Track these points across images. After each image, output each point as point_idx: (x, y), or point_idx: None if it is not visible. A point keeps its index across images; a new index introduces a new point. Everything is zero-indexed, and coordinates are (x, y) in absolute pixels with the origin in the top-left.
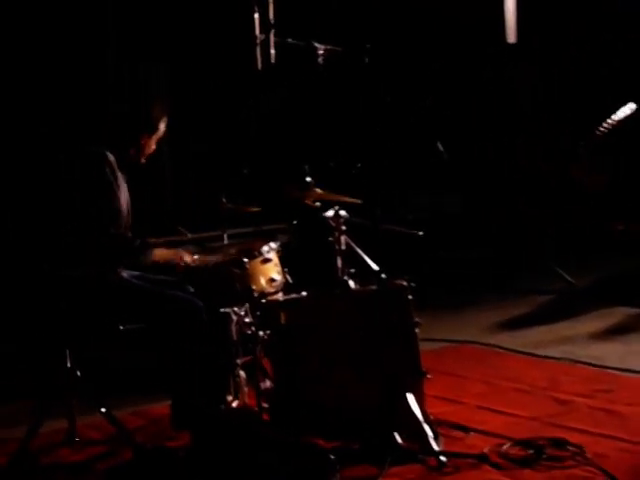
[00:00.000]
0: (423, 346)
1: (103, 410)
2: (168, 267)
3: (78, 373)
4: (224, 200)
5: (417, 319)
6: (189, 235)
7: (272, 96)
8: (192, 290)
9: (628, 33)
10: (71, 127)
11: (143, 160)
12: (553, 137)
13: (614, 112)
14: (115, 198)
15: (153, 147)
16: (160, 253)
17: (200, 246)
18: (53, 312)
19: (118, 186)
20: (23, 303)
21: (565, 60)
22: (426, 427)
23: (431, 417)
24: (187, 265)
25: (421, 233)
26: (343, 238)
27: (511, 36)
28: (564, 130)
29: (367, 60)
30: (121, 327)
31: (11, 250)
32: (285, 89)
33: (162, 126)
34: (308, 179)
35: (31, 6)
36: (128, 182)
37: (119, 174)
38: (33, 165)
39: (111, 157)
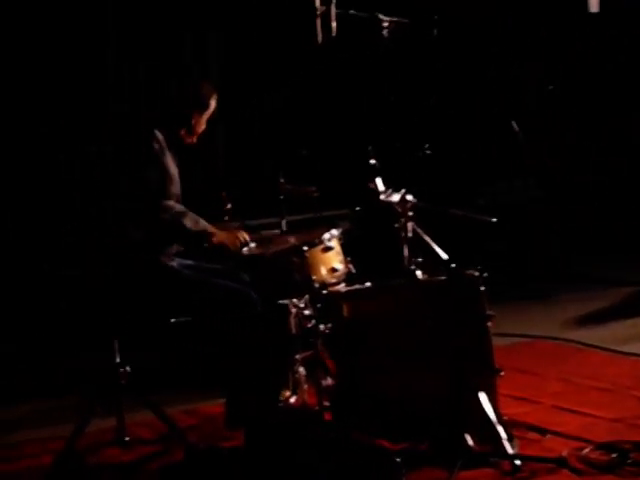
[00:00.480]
0: (496, 341)
1: (154, 407)
2: (224, 253)
3: (127, 369)
4: (282, 181)
5: (489, 312)
6: (245, 222)
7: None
8: (248, 280)
9: (634, 29)
10: (72, 126)
11: (194, 140)
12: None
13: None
14: (166, 172)
15: (204, 126)
16: (219, 235)
17: (257, 233)
18: (101, 305)
19: (166, 162)
20: (70, 295)
21: (571, 56)
22: (499, 428)
23: (505, 418)
24: (247, 252)
25: (494, 220)
26: (410, 225)
27: (594, 5)
28: (570, 127)
29: (436, 33)
30: (172, 320)
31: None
32: (347, 64)
33: (212, 103)
34: (373, 161)
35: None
36: (179, 164)
37: (168, 153)
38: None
39: (160, 135)
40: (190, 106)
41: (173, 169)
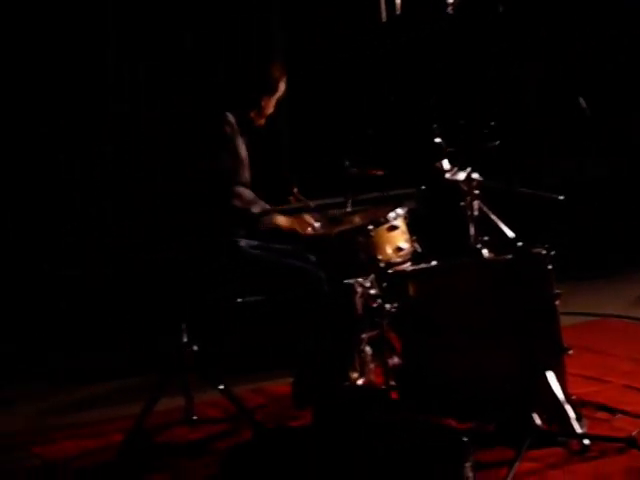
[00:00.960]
0: (564, 320)
1: (222, 387)
2: (290, 234)
3: (195, 348)
4: (347, 163)
5: (557, 290)
6: (311, 204)
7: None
8: (314, 260)
9: (634, 29)
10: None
11: (262, 122)
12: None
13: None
14: (238, 157)
15: (273, 108)
16: (282, 219)
17: (322, 214)
18: (169, 284)
19: (238, 146)
20: (140, 276)
21: (571, 57)
22: (568, 408)
23: (573, 397)
24: (312, 232)
25: (562, 197)
26: (476, 203)
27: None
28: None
29: (502, 9)
30: (239, 300)
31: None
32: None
33: (282, 86)
34: (438, 140)
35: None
36: (248, 146)
37: (239, 136)
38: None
39: (231, 118)
40: (260, 89)
41: (244, 152)
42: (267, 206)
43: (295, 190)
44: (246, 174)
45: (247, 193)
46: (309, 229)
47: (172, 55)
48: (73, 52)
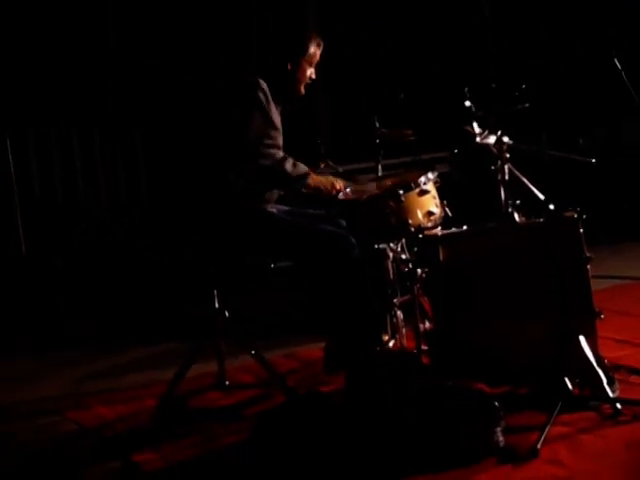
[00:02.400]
0: (595, 284)
1: (253, 352)
2: (321, 197)
3: (227, 314)
4: (378, 125)
5: (589, 254)
6: (340, 169)
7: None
8: (345, 225)
9: (633, 29)
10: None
11: (301, 90)
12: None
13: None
14: (270, 121)
15: (309, 74)
16: (316, 179)
17: (352, 178)
18: (200, 251)
19: (270, 111)
20: (172, 242)
21: (570, 56)
22: (600, 372)
23: (605, 361)
24: (344, 195)
25: (594, 160)
26: (507, 167)
27: None
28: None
29: None
30: (272, 265)
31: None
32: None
33: (315, 50)
34: (468, 103)
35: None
36: (282, 114)
37: (272, 104)
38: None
39: (264, 85)
40: (289, 52)
41: (277, 120)
42: (299, 162)
43: (324, 153)
44: (279, 140)
45: (277, 152)
46: (340, 194)
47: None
48: (73, 51)
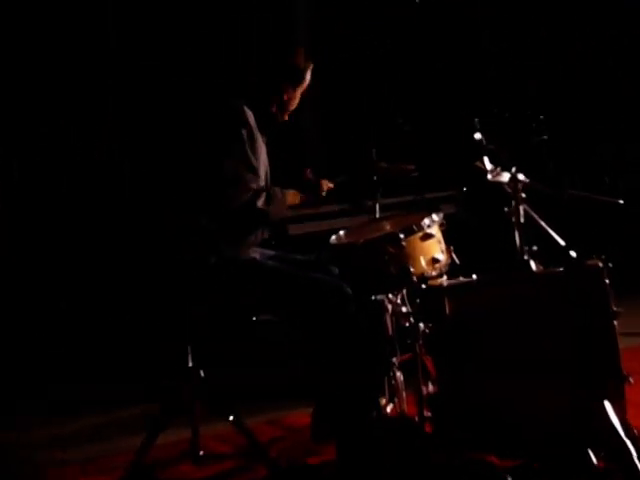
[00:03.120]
0: (623, 342)
1: (232, 418)
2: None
3: (202, 374)
4: (376, 159)
5: (616, 308)
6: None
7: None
8: (337, 273)
9: (634, 29)
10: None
11: (286, 117)
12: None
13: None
14: (247, 159)
15: (297, 101)
16: (292, 196)
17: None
18: (173, 301)
19: (255, 148)
20: (141, 291)
21: (571, 56)
22: (628, 443)
23: (635, 431)
24: (337, 238)
25: (621, 202)
26: (522, 208)
27: None
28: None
29: None
30: (254, 318)
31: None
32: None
33: (308, 76)
34: (478, 135)
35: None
36: (268, 144)
37: (258, 134)
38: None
39: (249, 113)
40: (283, 79)
41: (261, 152)
42: (277, 191)
43: (308, 170)
44: (252, 179)
45: (248, 192)
46: (333, 237)
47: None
48: (72, 52)
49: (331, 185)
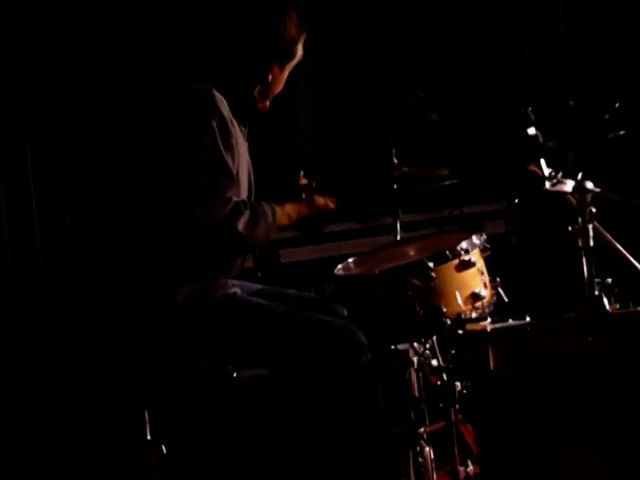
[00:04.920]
0: None
1: None
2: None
3: (164, 449)
4: (395, 161)
5: None
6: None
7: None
8: (345, 314)
9: None
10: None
11: (268, 104)
12: None
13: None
14: (220, 159)
15: (283, 83)
16: (289, 209)
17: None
18: (124, 348)
19: (230, 145)
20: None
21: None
22: None
23: None
24: (345, 268)
25: None
26: (591, 227)
27: None
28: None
29: None
30: (234, 374)
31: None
32: None
33: (299, 49)
34: (532, 131)
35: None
36: (249, 138)
37: (234, 127)
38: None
39: (220, 98)
40: (271, 54)
41: (241, 148)
42: (267, 209)
43: (301, 174)
44: (233, 190)
45: (227, 205)
46: (339, 268)
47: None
48: (72, 53)
49: (332, 205)
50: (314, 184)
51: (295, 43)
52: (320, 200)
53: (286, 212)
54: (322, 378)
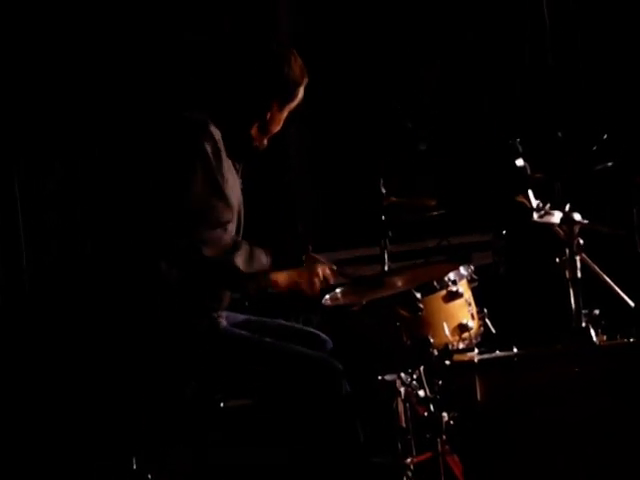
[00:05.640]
0: None
1: None
2: (297, 300)
3: (149, 478)
4: (383, 191)
5: None
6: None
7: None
8: (331, 345)
9: None
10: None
11: (265, 143)
12: None
13: None
14: (218, 190)
15: (281, 123)
16: (282, 277)
17: (344, 273)
18: (107, 378)
19: (224, 179)
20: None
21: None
22: None
23: None
24: (332, 299)
25: None
26: (579, 258)
27: None
28: None
29: None
30: (221, 404)
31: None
32: None
33: (300, 93)
34: (521, 162)
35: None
36: (243, 176)
37: (226, 162)
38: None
39: (215, 132)
40: (273, 94)
41: (232, 183)
42: (262, 254)
43: (310, 248)
44: (231, 214)
45: (227, 238)
46: (327, 297)
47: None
48: (71, 55)
49: (329, 274)
50: (310, 247)
51: (297, 85)
52: (318, 276)
53: (282, 277)
54: (301, 411)
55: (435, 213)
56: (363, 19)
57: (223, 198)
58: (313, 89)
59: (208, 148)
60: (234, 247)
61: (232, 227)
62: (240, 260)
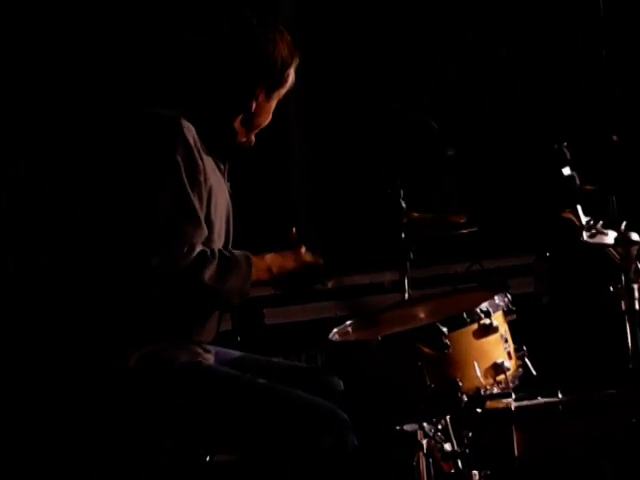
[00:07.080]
0: None
1: None
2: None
3: None
4: (404, 205)
5: None
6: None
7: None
8: (341, 387)
9: None
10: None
11: (252, 137)
12: None
13: None
14: (185, 200)
15: (270, 114)
16: (272, 261)
17: (355, 303)
18: (84, 433)
19: (198, 182)
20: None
21: None
22: None
23: None
24: (341, 333)
25: None
26: (637, 286)
27: None
28: None
29: None
30: (207, 458)
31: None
32: None
33: (292, 76)
34: (568, 171)
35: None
36: (229, 178)
37: (208, 162)
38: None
39: (189, 128)
40: (258, 79)
41: (217, 188)
42: (243, 266)
43: (293, 230)
44: (198, 237)
45: (193, 251)
46: (334, 332)
47: None
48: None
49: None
50: (294, 229)
51: (286, 67)
52: (307, 254)
53: (265, 264)
54: (297, 470)
55: (465, 231)
56: (367, 19)
57: (193, 220)
58: (320, 93)
59: (179, 157)
60: (203, 261)
61: (217, 239)
62: (209, 275)
